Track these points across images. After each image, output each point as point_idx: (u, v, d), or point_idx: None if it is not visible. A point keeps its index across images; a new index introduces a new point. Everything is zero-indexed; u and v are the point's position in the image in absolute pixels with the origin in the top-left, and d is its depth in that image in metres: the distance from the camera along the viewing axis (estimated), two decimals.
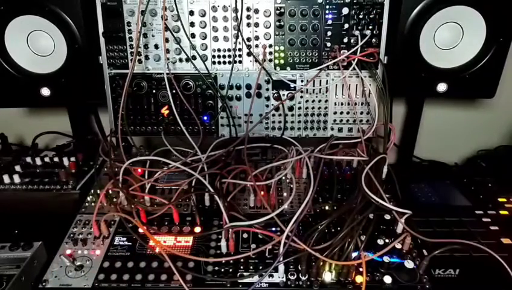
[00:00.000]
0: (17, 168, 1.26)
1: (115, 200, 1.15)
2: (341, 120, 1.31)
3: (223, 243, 0.98)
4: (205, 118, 1.29)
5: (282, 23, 1.21)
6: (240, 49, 1.24)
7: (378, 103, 1.21)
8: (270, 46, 1.23)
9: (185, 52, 1.23)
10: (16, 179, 1.21)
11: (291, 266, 0.94)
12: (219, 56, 1.25)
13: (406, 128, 1.53)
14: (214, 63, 1.25)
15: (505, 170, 1.35)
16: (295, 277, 0.92)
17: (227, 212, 1.01)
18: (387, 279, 0.91)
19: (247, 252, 0.97)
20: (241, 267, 0.95)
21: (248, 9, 1.20)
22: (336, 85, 1.27)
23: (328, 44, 1.23)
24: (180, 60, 1.25)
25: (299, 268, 0.92)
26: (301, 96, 1.29)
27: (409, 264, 0.94)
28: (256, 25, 1.21)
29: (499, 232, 1.06)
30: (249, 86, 1.27)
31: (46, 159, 1.32)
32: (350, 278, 0.91)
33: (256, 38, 1.23)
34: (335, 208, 1.10)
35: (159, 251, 0.97)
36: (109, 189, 1.13)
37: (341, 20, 1.20)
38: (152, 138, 1.46)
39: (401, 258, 0.96)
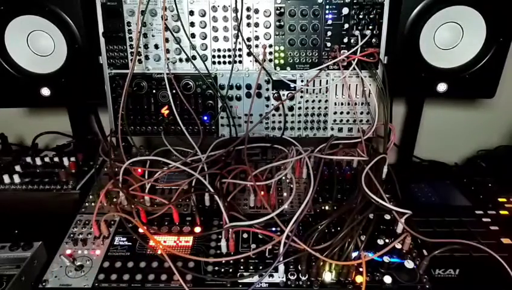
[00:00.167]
0: (17, 168, 1.26)
1: (115, 200, 1.15)
2: (341, 120, 1.31)
3: (223, 243, 0.98)
4: (205, 118, 1.29)
5: (282, 23, 1.21)
6: (240, 49, 1.24)
7: (378, 103, 1.21)
8: (270, 46, 1.23)
9: (185, 52, 1.23)
10: (16, 179, 1.21)
11: (291, 266, 0.94)
12: (219, 56, 1.25)
13: (406, 128, 1.53)
14: (214, 63, 1.25)
15: (505, 170, 1.35)
16: (295, 277, 0.92)
17: (227, 212, 1.01)
18: (387, 279, 0.91)
19: (247, 252, 0.97)
20: (241, 267, 0.95)
21: (248, 9, 1.20)
22: (336, 85, 1.27)
23: (328, 44, 1.23)
24: (180, 60, 1.25)
25: (299, 268, 0.92)
26: (301, 96, 1.29)
27: (409, 264, 0.94)
28: (256, 25, 1.22)
29: (499, 232, 1.06)
30: (249, 86, 1.27)
31: (46, 159, 1.32)
32: (350, 278, 0.91)
33: (256, 38, 1.23)
34: (335, 208, 1.10)
35: (160, 252, 0.97)
36: (109, 189, 1.13)
37: (341, 20, 1.20)
38: (152, 138, 1.46)
39: (401, 258, 0.96)
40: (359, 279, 0.90)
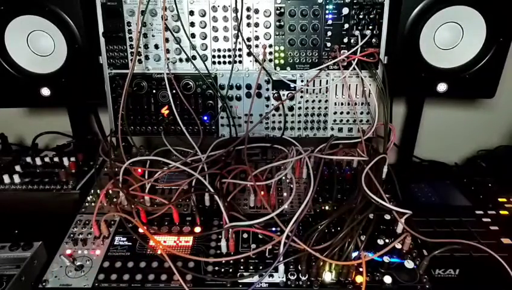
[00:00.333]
0: (17, 168, 1.26)
1: (115, 200, 1.15)
2: (341, 120, 1.31)
3: (223, 243, 0.98)
4: (205, 118, 1.29)
5: (282, 23, 1.21)
6: (240, 49, 1.24)
7: (378, 103, 1.21)
8: (270, 46, 1.23)
9: (185, 52, 1.23)
10: (16, 179, 1.21)
11: (291, 266, 0.94)
12: (219, 56, 1.25)
13: (406, 128, 1.53)
14: (214, 63, 1.25)
15: (505, 170, 1.35)
16: (295, 277, 0.92)
17: (227, 212, 1.01)
18: (387, 279, 0.91)
19: (247, 252, 0.97)
20: (241, 267, 0.95)
21: (248, 9, 1.20)
22: (336, 85, 1.27)
23: (328, 44, 1.23)
24: (180, 60, 1.25)
25: (299, 268, 0.92)
26: (301, 96, 1.29)
27: (409, 264, 0.94)
28: (256, 25, 1.22)
29: (499, 232, 1.06)
30: (249, 86, 1.27)
31: (46, 159, 1.32)
32: (350, 278, 0.91)
33: (256, 38, 1.23)
34: (335, 208, 1.10)
35: (160, 252, 0.97)
36: (109, 189, 1.13)
37: (341, 20, 1.20)
38: (152, 138, 1.46)
39: (401, 258, 0.96)
40: (359, 279, 0.90)
